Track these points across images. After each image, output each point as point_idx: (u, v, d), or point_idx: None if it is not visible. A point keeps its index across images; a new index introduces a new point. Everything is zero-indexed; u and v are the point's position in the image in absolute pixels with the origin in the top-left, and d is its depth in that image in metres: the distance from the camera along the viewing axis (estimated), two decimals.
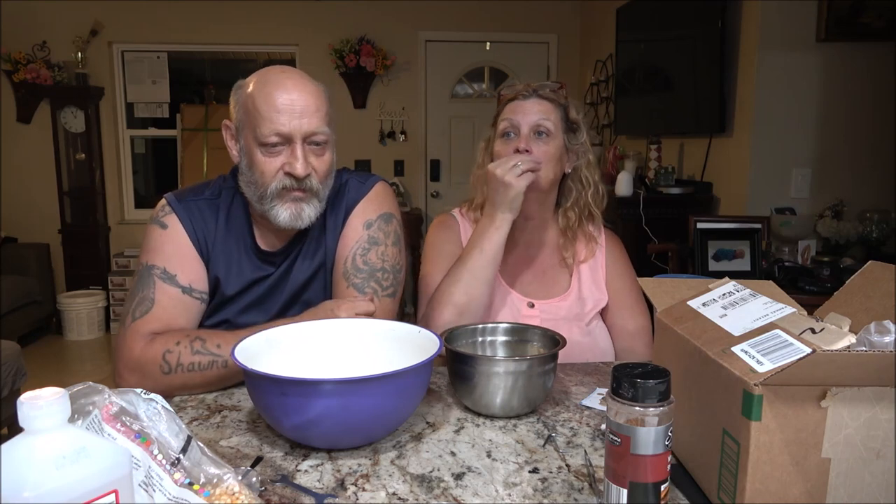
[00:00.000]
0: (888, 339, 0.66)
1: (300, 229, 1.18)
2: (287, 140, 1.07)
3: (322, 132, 1.10)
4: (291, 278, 1.19)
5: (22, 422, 0.48)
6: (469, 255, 1.21)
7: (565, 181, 1.36)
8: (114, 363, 1.08)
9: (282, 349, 0.94)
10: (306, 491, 0.73)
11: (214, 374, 1.02)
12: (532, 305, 1.30)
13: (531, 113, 1.28)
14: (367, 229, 1.19)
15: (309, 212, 1.11)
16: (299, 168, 1.07)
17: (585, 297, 1.33)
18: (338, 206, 1.20)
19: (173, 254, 1.12)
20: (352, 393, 0.77)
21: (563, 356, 1.00)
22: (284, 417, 0.79)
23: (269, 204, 1.10)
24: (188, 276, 1.12)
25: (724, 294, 0.78)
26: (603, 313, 1.34)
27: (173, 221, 1.14)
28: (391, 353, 0.95)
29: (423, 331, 0.94)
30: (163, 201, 1.17)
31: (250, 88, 1.10)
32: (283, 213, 1.09)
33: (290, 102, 1.06)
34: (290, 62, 4.75)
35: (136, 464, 0.60)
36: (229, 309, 1.17)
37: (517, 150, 1.25)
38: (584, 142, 1.35)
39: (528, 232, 1.35)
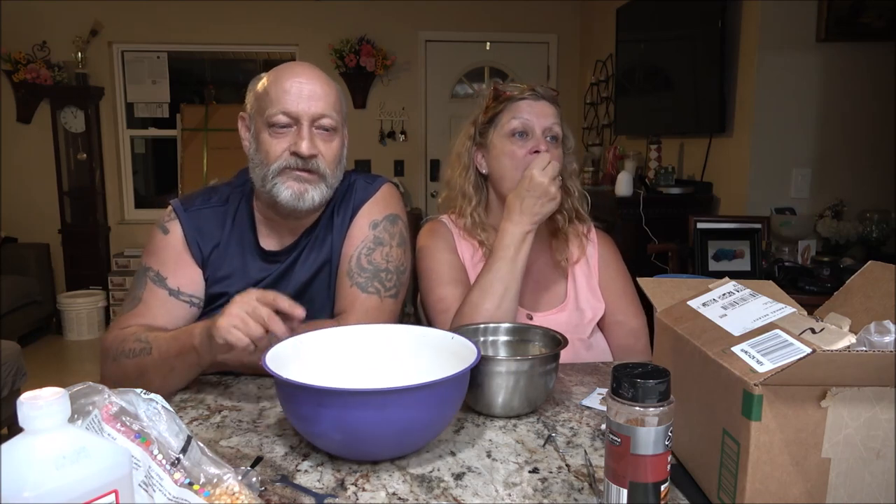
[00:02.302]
0: (888, 339, 0.66)
1: (306, 229, 1.19)
2: (295, 121, 1.10)
3: (330, 116, 1.12)
4: (294, 275, 1.19)
5: (22, 422, 0.48)
6: (499, 266, 1.15)
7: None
8: None
9: (309, 356, 0.92)
10: (306, 491, 0.73)
11: (140, 361, 1.03)
12: (531, 318, 1.29)
13: (544, 116, 1.25)
14: (372, 229, 1.19)
15: (314, 194, 1.11)
16: (304, 147, 1.08)
17: (583, 306, 1.31)
18: (345, 205, 1.21)
19: (168, 258, 1.16)
20: (397, 403, 0.74)
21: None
22: (324, 428, 0.76)
23: (272, 182, 1.10)
24: (177, 280, 1.15)
25: (724, 294, 0.78)
26: (600, 318, 1.33)
27: (175, 228, 1.18)
28: (420, 360, 0.93)
29: (457, 336, 0.93)
30: (169, 207, 1.21)
31: (265, 78, 1.14)
32: (285, 192, 1.10)
33: (299, 85, 1.10)
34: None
35: (136, 464, 0.60)
36: None
37: (537, 151, 1.22)
38: (571, 150, 1.34)
39: None
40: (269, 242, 1.20)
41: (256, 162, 1.13)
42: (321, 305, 1.21)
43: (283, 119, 1.09)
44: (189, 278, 1.16)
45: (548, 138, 1.25)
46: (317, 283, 1.20)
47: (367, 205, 1.21)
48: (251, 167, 1.15)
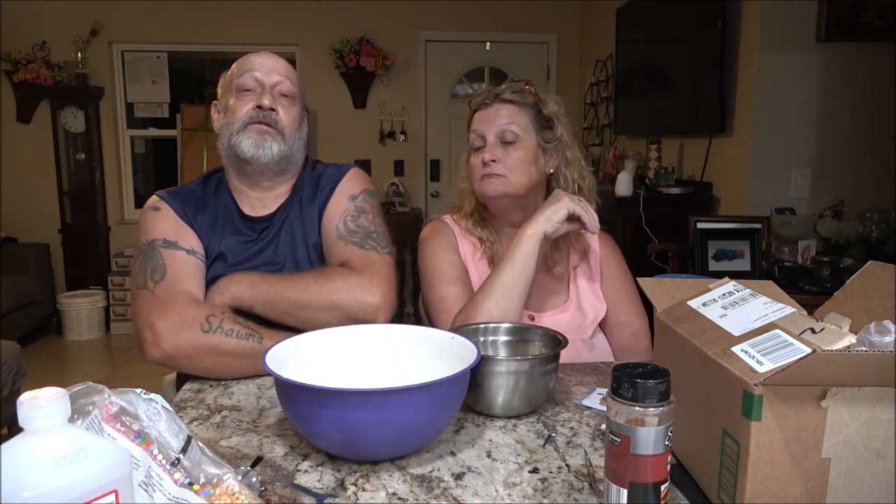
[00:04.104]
0: (888, 339, 0.66)
1: (280, 204, 1.26)
2: (259, 85, 1.22)
3: (290, 82, 1.25)
4: (282, 248, 1.24)
5: (22, 422, 0.48)
6: (502, 268, 1.16)
7: (551, 183, 1.33)
8: (143, 320, 1.08)
9: (310, 355, 0.92)
10: (306, 491, 0.73)
11: (248, 346, 1.07)
12: (532, 319, 1.29)
13: (495, 120, 1.26)
14: (352, 201, 1.27)
15: (272, 144, 1.20)
16: (266, 100, 1.21)
17: (585, 308, 1.31)
18: (318, 186, 1.28)
19: (169, 227, 1.21)
20: (398, 403, 0.74)
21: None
22: (325, 428, 0.76)
23: (236, 138, 1.20)
24: (188, 242, 1.21)
25: (724, 294, 0.78)
26: (602, 318, 1.33)
27: (163, 205, 1.25)
28: (420, 360, 0.93)
29: (457, 336, 0.93)
30: (153, 196, 1.28)
31: (232, 66, 1.28)
32: (246, 142, 1.20)
33: (262, 59, 1.25)
34: (290, 62, 4.74)
35: (136, 464, 0.60)
36: (225, 272, 1.21)
37: (483, 162, 1.25)
38: (559, 137, 1.30)
39: None
40: (248, 209, 1.27)
41: (224, 127, 1.23)
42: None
43: (248, 81, 1.21)
44: (194, 240, 1.22)
45: (502, 142, 1.26)
46: (304, 261, 1.25)
47: (341, 184, 1.28)
48: (219, 138, 1.25)
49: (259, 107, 1.20)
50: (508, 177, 1.25)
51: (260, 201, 1.27)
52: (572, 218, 1.17)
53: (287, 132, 1.22)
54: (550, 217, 1.16)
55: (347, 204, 1.25)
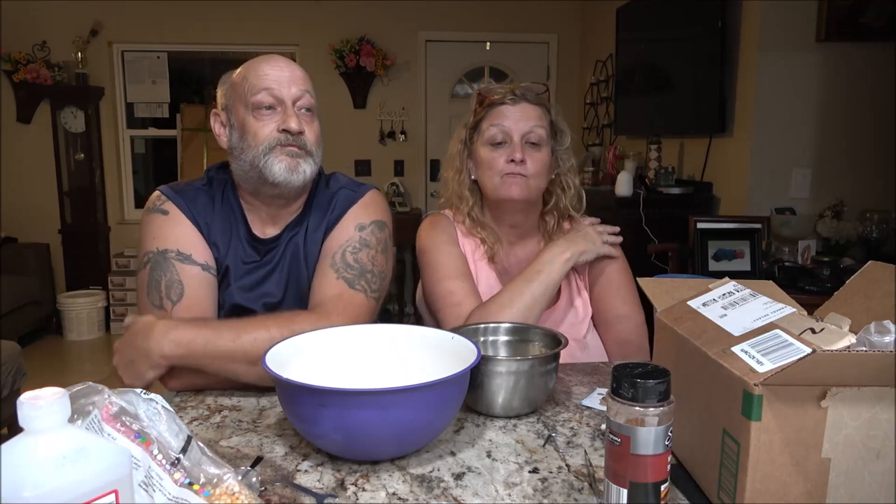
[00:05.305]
0: (888, 339, 0.66)
1: (289, 222, 1.19)
2: (279, 103, 1.11)
3: (310, 92, 1.15)
4: (283, 280, 1.19)
5: (22, 422, 0.48)
6: (533, 277, 1.19)
7: (547, 186, 1.34)
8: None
9: (310, 356, 0.91)
10: (306, 491, 0.73)
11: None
12: None
13: (523, 120, 1.25)
14: (359, 231, 1.18)
15: (305, 168, 1.12)
16: (293, 123, 1.10)
17: (576, 304, 1.31)
18: (329, 207, 1.20)
19: (181, 236, 1.13)
20: (398, 403, 0.75)
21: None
22: (324, 428, 0.76)
23: (264, 161, 1.10)
24: (202, 255, 1.13)
25: (724, 294, 0.78)
26: (595, 316, 1.32)
27: (172, 208, 1.15)
28: (420, 360, 0.93)
29: (457, 336, 0.93)
30: (157, 193, 1.18)
31: (238, 70, 1.15)
32: (278, 165, 1.10)
33: (278, 70, 1.12)
34: None
35: (136, 464, 0.60)
36: (228, 293, 1.17)
37: (513, 160, 1.23)
38: (567, 147, 1.33)
39: (514, 240, 1.34)
40: (257, 229, 1.19)
41: (242, 147, 1.12)
42: (295, 300, 1.19)
43: (267, 99, 1.10)
44: (208, 252, 1.14)
45: (528, 143, 1.25)
46: (307, 291, 1.18)
47: (354, 208, 1.19)
48: (235, 156, 1.14)
49: (286, 130, 1.10)
50: (530, 179, 1.25)
51: (271, 218, 1.19)
52: None
53: (314, 151, 1.14)
54: (584, 253, 1.25)
55: (353, 233, 1.17)
